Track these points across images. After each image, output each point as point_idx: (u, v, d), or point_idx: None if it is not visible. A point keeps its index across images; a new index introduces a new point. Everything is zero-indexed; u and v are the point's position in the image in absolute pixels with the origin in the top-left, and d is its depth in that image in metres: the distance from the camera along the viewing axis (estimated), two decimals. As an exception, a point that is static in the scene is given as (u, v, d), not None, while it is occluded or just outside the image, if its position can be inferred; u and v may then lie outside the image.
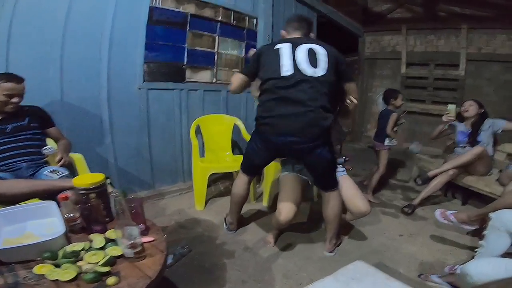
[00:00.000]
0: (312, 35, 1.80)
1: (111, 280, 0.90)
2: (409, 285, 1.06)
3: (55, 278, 0.87)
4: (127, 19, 2.43)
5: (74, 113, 2.24)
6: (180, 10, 2.77)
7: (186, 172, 3.00)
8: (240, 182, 2.00)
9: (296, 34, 1.72)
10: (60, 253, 0.96)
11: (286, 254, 1.95)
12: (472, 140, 2.68)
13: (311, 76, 1.53)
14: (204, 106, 3.05)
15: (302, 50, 1.57)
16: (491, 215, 1.53)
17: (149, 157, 2.68)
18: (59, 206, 1.18)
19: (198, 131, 2.84)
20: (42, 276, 0.89)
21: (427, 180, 2.56)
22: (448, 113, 2.69)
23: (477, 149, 2.47)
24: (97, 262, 0.96)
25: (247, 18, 3.34)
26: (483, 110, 2.73)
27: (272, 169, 2.68)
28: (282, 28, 1.84)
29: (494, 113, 3.40)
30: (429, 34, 5.09)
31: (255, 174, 2.05)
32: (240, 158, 2.90)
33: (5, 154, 1.61)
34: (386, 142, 2.85)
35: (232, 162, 2.92)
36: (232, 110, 3.27)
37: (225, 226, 2.23)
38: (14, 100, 1.64)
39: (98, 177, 1.22)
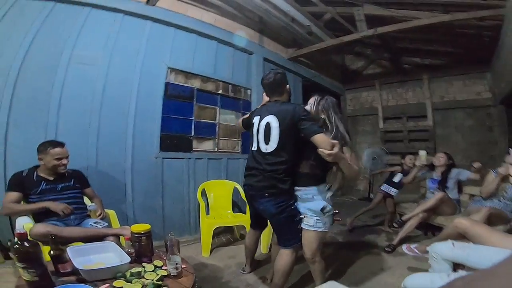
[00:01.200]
0: (285, 92, 2.02)
1: (164, 288, 1.30)
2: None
3: (129, 288, 1.26)
4: (148, 92, 3.02)
5: (104, 176, 2.71)
6: (188, 85, 3.40)
7: (193, 227, 3.36)
8: (248, 235, 2.43)
9: (271, 97, 2.02)
10: (128, 273, 1.36)
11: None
12: (441, 186, 3.18)
13: (264, 152, 1.89)
14: (208, 172, 3.55)
15: (262, 126, 1.91)
16: (427, 248, 1.87)
17: (161, 213, 3.06)
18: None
19: (203, 193, 3.28)
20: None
21: (402, 223, 3.01)
22: (420, 158, 3.23)
23: (438, 195, 2.98)
24: (153, 279, 1.35)
25: (242, 89, 4.01)
26: (451, 161, 3.30)
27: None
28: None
29: (464, 159, 3.93)
30: (398, 87, 5.74)
31: (256, 227, 2.38)
32: (239, 215, 3.35)
33: None
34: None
35: (233, 219, 3.33)
36: (231, 175, 3.76)
37: (240, 269, 2.51)
38: (64, 162, 2.06)
39: (146, 226, 1.67)
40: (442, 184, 3.21)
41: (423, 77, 5.43)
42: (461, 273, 1.48)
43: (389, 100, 5.92)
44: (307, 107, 1.93)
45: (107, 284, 1.21)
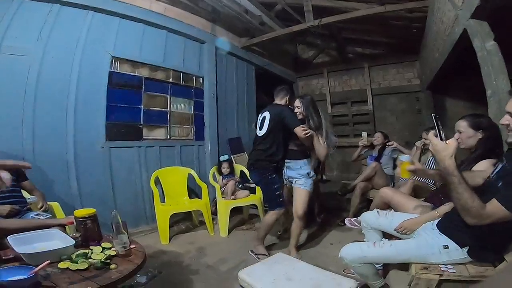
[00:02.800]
0: (284, 98, 2.64)
1: (112, 266, 1.32)
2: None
3: (75, 268, 1.25)
4: (90, 82, 2.91)
5: (44, 170, 2.56)
6: (136, 74, 3.34)
7: (149, 216, 3.31)
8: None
9: (275, 100, 2.68)
10: (74, 255, 1.34)
11: (241, 266, 2.37)
12: (377, 161, 3.54)
13: (258, 136, 2.59)
14: (161, 160, 3.52)
15: (260, 118, 2.61)
16: (359, 218, 2.10)
17: (113, 204, 2.97)
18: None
19: (157, 182, 3.26)
20: (65, 269, 1.25)
21: (345, 192, 3.40)
22: (362, 139, 3.66)
23: (372, 164, 3.38)
24: (101, 259, 1.36)
25: (194, 77, 4.03)
26: (387, 140, 3.68)
27: (222, 207, 3.20)
28: None
29: (399, 139, 4.39)
30: (344, 74, 6.21)
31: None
32: (195, 201, 3.39)
33: None
34: None
35: (189, 204, 3.37)
36: (185, 162, 3.76)
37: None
38: None
39: (91, 210, 1.64)
40: (378, 160, 3.60)
41: (364, 66, 5.93)
42: (384, 241, 1.64)
43: (336, 86, 6.36)
44: (298, 110, 2.52)
45: (48, 261, 1.19)
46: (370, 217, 1.91)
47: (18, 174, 2.15)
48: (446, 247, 1.40)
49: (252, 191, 3.52)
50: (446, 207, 1.64)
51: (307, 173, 2.52)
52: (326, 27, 4.64)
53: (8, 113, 2.42)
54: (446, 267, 1.40)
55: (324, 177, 5.59)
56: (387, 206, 2.22)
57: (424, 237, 1.52)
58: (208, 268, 2.36)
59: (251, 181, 3.40)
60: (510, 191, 1.13)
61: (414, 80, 5.55)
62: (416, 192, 2.71)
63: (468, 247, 1.36)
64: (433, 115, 1.36)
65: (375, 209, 2.01)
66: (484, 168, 1.51)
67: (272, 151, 2.48)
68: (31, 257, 1.27)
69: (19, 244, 1.38)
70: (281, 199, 2.50)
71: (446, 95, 5.20)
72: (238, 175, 3.74)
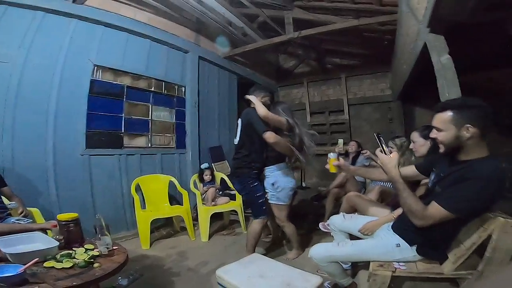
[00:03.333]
0: (264, 97, 2.50)
1: (96, 264, 1.40)
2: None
3: (61, 267, 1.32)
4: (71, 90, 2.94)
5: (23, 177, 2.58)
6: (118, 82, 3.38)
7: (129, 222, 3.34)
8: None
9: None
10: (58, 255, 1.41)
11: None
12: None
13: (235, 144, 2.52)
14: (141, 167, 3.56)
15: (236, 124, 2.58)
16: (328, 221, 2.22)
17: (92, 211, 2.96)
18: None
19: (138, 189, 3.30)
20: (50, 268, 1.32)
21: (318, 198, 3.58)
22: (338, 145, 3.83)
23: (343, 173, 3.51)
24: (85, 258, 1.42)
25: (176, 87, 4.09)
26: (360, 148, 3.91)
27: (203, 213, 3.29)
28: None
29: (373, 148, 4.59)
30: (322, 84, 6.41)
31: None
32: (176, 207, 3.45)
33: None
34: None
35: (169, 210, 3.43)
36: (166, 169, 3.81)
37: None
38: None
39: (74, 215, 1.71)
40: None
41: (341, 76, 6.19)
42: (347, 241, 1.82)
43: (315, 96, 6.57)
44: (282, 117, 2.43)
45: (37, 259, 1.26)
46: (337, 220, 2.05)
47: None
48: (398, 245, 1.55)
49: (232, 197, 3.62)
50: (400, 210, 1.80)
51: (272, 183, 2.43)
52: (306, 38, 4.87)
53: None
54: (398, 264, 1.55)
55: (303, 184, 5.77)
56: (353, 210, 2.39)
57: (380, 237, 1.67)
58: (189, 270, 2.45)
59: (231, 188, 3.50)
60: (446, 193, 1.31)
61: (387, 90, 5.85)
62: (383, 197, 2.90)
63: (416, 245, 1.52)
64: (375, 134, 1.59)
65: (341, 212, 2.16)
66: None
67: (250, 158, 2.39)
68: (17, 257, 1.34)
69: (5, 245, 1.44)
70: (264, 208, 2.42)
71: (415, 105, 5.54)
72: (219, 183, 3.84)
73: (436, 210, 1.29)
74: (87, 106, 3.07)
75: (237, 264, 1.78)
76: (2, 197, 2.19)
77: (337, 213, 3.44)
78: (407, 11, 2.97)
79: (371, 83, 5.99)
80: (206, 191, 3.56)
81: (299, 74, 6.83)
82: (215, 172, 3.97)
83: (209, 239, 3.26)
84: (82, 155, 3.01)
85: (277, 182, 2.44)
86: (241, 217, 3.46)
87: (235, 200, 3.56)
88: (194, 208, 3.67)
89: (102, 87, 3.23)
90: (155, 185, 3.54)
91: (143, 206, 3.32)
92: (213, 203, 3.45)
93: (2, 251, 1.34)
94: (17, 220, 1.91)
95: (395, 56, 4.83)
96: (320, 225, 2.87)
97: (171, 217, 3.55)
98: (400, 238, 1.57)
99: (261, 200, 2.40)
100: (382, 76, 5.91)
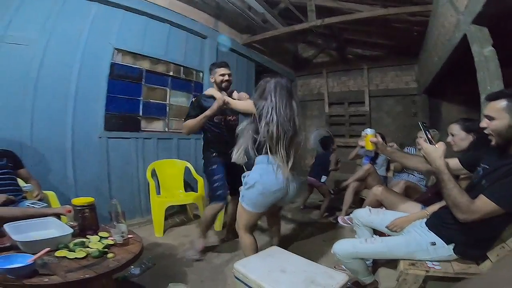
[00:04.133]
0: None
1: (110, 255, 1.34)
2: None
3: (73, 257, 1.27)
4: (91, 73, 2.91)
5: (41, 158, 2.56)
6: (137, 66, 3.35)
7: (144, 208, 3.33)
8: None
9: None
10: (71, 244, 1.36)
11: (235, 260, 2.40)
12: (373, 162, 3.57)
13: None
14: (158, 152, 3.53)
15: None
16: (351, 215, 2.12)
17: (108, 195, 2.97)
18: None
19: (153, 174, 3.26)
20: (62, 257, 1.27)
21: (338, 191, 3.43)
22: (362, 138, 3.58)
23: (365, 166, 3.40)
24: (99, 248, 1.37)
25: (194, 72, 4.05)
26: (385, 141, 3.66)
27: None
28: None
29: (394, 140, 4.40)
30: (343, 75, 6.24)
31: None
32: (191, 194, 3.40)
33: None
34: (323, 179, 3.70)
35: (185, 197, 3.38)
36: (182, 155, 3.78)
37: None
38: None
39: (90, 199, 1.66)
40: (373, 160, 3.64)
41: (363, 67, 5.96)
42: (376, 237, 1.72)
43: (334, 87, 6.39)
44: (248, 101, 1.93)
45: (48, 248, 1.20)
46: (362, 215, 1.95)
47: (14, 162, 2.15)
48: (433, 243, 1.45)
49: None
50: (435, 207, 1.69)
51: (243, 176, 1.82)
52: (328, 27, 4.65)
53: (8, 100, 2.41)
54: (432, 264, 1.45)
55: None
56: (379, 204, 2.28)
57: (413, 234, 1.56)
58: (201, 261, 2.39)
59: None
60: (495, 187, 1.21)
61: (412, 83, 5.59)
62: (407, 193, 2.76)
63: (454, 244, 1.42)
64: (420, 122, 1.51)
65: (367, 206, 2.06)
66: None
67: (209, 141, 2.48)
68: (28, 245, 1.28)
69: (15, 232, 1.39)
70: (219, 193, 2.29)
71: (442, 99, 5.26)
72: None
73: (483, 203, 1.20)
74: (107, 89, 3.04)
75: (255, 257, 1.69)
76: (18, 179, 2.18)
77: (355, 207, 3.41)
78: (444, 2, 2.85)
79: (395, 75, 5.76)
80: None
81: (318, 64, 6.65)
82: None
83: (222, 228, 3.21)
84: (100, 137, 2.99)
85: (248, 177, 1.76)
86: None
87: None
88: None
89: (122, 70, 3.21)
90: (171, 170, 3.49)
91: (158, 191, 3.30)
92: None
93: (13, 238, 1.30)
94: (31, 203, 1.88)
95: (425, 48, 4.56)
96: (339, 219, 2.76)
97: (185, 204, 3.51)
98: (436, 236, 1.47)
99: (216, 184, 2.32)
100: (407, 69, 5.65)
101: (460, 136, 1.76)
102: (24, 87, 2.50)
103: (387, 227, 1.77)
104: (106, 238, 1.50)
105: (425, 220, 1.64)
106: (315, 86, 6.62)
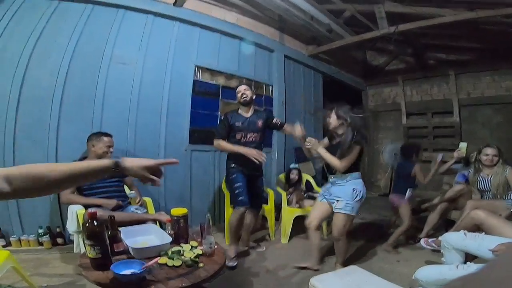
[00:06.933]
0: None
1: (201, 264, 1.51)
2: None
3: (171, 265, 1.48)
4: (178, 91, 3.26)
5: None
6: (214, 82, 3.62)
7: (216, 216, 3.57)
8: None
9: None
10: (169, 252, 1.58)
11: (300, 274, 2.42)
12: (468, 182, 3.03)
13: None
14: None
15: None
16: (440, 238, 1.96)
17: (189, 202, 3.29)
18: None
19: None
20: (163, 264, 1.47)
21: (420, 211, 3.15)
22: (460, 150, 2.97)
23: (457, 187, 3.02)
24: (191, 257, 1.56)
25: (264, 86, 4.18)
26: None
27: (287, 215, 3.26)
28: None
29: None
30: (423, 83, 5.63)
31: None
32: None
33: (103, 195, 2.26)
34: (408, 194, 2.95)
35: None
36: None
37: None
38: (111, 150, 2.32)
39: (184, 210, 1.88)
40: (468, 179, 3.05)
41: (449, 73, 5.31)
42: (470, 264, 1.56)
43: (413, 95, 5.82)
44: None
45: (157, 258, 1.42)
46: (455, 239, 1.81)
47: None
48: None
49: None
50: None
51: (352, 189, 2.35)
52: (402, 33, 4.34)
53: (117, 115, 2.87)
54: None
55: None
56: (476, 228, 2.02)
57: None
58: (267, 272, 2.47)
59: (316, 190, 3.41)
60: None
61: (514, 90, 4.74)
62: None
63: None
64: None
65: (462, 230, 1.87)
66: None
67: (228, 155, 2.70)
68: (139, 251, 1.53)
69: (127, 236, 1.65)
70: (240, 198, 2.52)
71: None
72: (304, 184, 3.78)
73: None
74: (191, 104, 3.37)
75: (333, 274, 1.71)
76: (124, 186, 2.59)
77: (439, 228, 3.08)
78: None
79: (491, 80, 4.95)
80: (292, 192, 3.54)
81: (392, 72, 6.15)
82: (302, 173, 3.91)
83: (288, 240, 3.25)
84: (185, 150, 3.34)
85: (357, 190, 2.34)
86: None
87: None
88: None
89: (202, 87, 3.50)
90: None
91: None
92: (297, 205, 3.42)
93: (125, 243, 1.55)
94: (136, 209, 2.23)
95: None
96: (423, 242, 2.52)
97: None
98: None
99: (237, 191, 2.53)
100: (508, 73, 4.82)
101: None
102: (129, 103, 2.94)
103: (492, 250, 1.58)
104: (196, 247, 1.69)
105: None
106: (389, 96, 6.16)
